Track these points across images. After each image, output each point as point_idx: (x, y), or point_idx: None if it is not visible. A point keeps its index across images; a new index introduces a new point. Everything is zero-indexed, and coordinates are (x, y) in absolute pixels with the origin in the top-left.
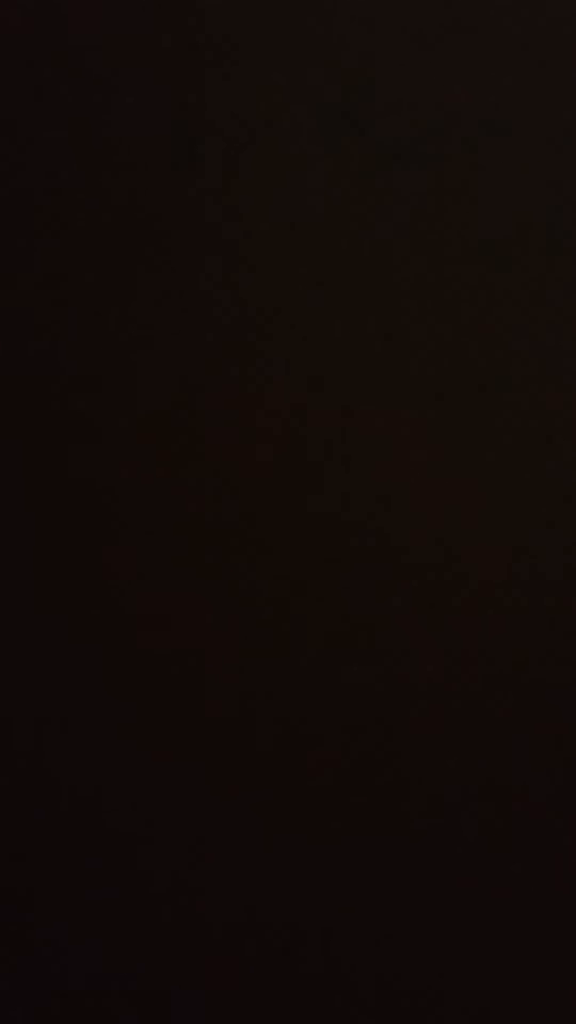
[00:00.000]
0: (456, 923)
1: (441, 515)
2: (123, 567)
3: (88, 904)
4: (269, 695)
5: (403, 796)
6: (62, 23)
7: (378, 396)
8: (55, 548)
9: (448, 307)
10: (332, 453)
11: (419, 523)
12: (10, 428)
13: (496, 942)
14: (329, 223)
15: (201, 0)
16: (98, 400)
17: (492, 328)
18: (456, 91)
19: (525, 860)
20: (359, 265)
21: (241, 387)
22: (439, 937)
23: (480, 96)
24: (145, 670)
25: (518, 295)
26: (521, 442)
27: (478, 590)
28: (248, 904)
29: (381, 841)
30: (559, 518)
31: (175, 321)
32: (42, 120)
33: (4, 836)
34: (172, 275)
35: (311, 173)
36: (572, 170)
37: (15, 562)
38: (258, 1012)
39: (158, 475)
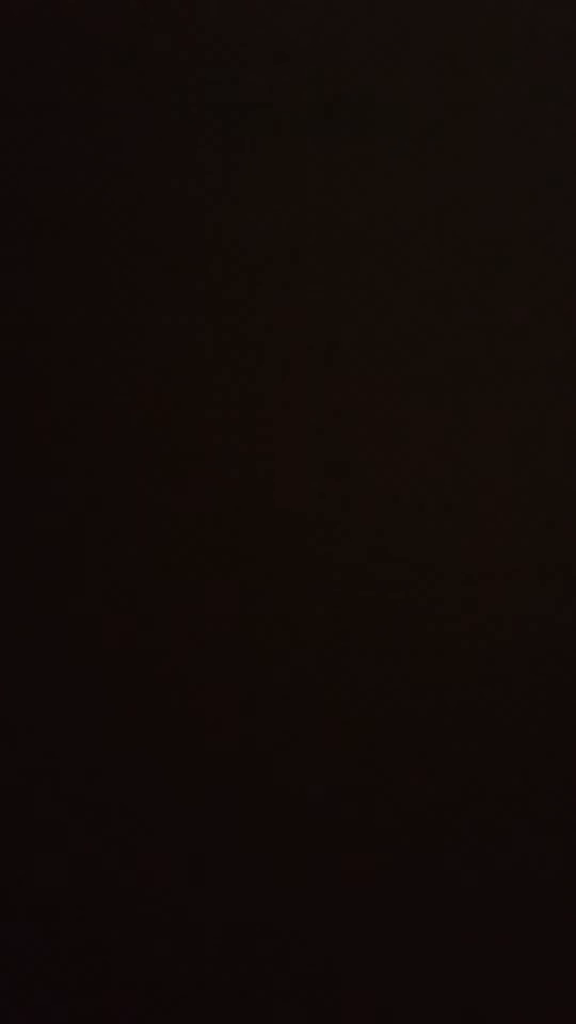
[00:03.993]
0: (454, 947)
1: (441, 513)
2: (122, 573)
3: (86, 918)
4: (267, 706)
5: (401, 815)
6: (59, 18)
7: (378, 395)
8: (52, 560)
9: (448, 304)
10: (331, 455)
11: (420, 524)
12: (8, 429)
13: (495, 973)
14: (329, 221)
15: None
16: (96, 401)
17: (492, 326)
18: (455, 84)
19: (526, 873)
20: (359, 263)
21: (241, 386)
22: (436, 954)
23: (479, 91)
24: (143, 679)
25: (518, 292)
26: (521, 442)
27: (479, 599)
28: (245, 920)
29: (379, 865)
30: (559, 518)
31: (174, 318)
32: (40, 118)
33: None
34: (171, 270)
35: (310, 170)
36: (571, 165)
37: (10, 572)
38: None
39: (157, 478)
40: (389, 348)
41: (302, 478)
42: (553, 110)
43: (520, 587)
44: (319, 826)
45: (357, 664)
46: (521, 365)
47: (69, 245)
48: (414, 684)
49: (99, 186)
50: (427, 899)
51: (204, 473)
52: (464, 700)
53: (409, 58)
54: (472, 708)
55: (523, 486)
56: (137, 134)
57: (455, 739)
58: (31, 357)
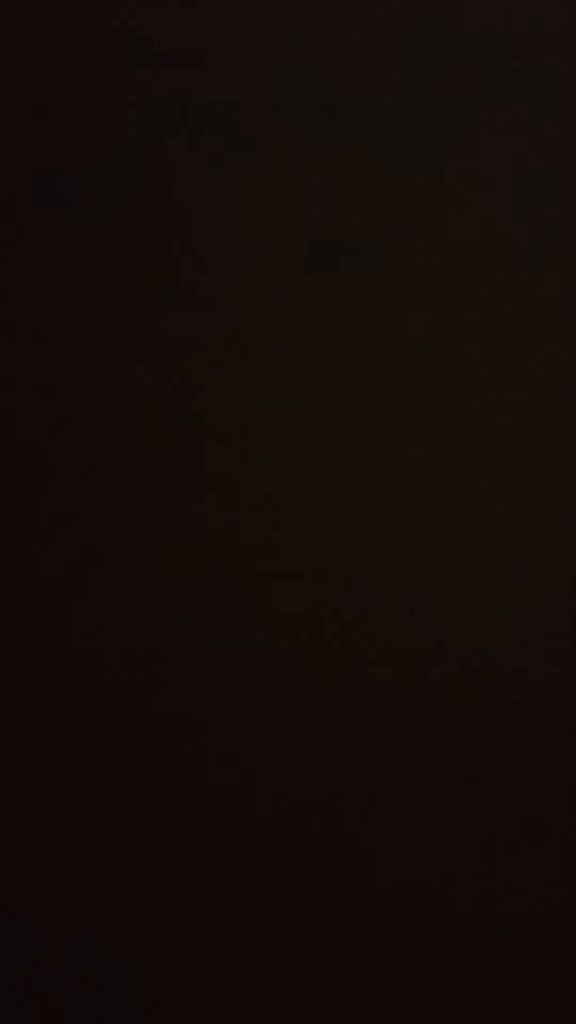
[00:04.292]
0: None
1: (436, 505)
2: (120, 579)
3: (85, 919)
4: (267, 706)
5: (402, 819)
6: (59, 18)
7: (377, 397)
8: (52, 561)
9: (449, 306)
10: (330, 459)
11: (418, 521)
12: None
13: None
14: (329, 221)
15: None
16: (96, 401)
17: (494, 327)
18: (456, 89)
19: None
20: (359, 263)
21: (240, 388)
22: (436, 954)
23: (479, 91)
24: (143, 679)
25: (518, 292)
26: (521, 444)
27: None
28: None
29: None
30: (558, 520)
31: (173, 318)
32: (40, 118)
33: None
34: (171, 270)
35: (312, 171)
36: (572, 165)
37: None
38: None
39: (155, 484)
40: (390, 348)
41: (302, 479)
42: (553, 110)
43: (521, 588)
44: (319, 827)
45: (357, 666)
46: (521, 366)
47: (68, 246)
48: (414, 684)
49: (99, 186)
50: (426, 900)
51: (204, 474)
52: (464, 701)
53: (407, 58)
54: (472, 714)
55: (524, 488)
56: (137, 134)
57: (456, 742)
58: (31, 357)
